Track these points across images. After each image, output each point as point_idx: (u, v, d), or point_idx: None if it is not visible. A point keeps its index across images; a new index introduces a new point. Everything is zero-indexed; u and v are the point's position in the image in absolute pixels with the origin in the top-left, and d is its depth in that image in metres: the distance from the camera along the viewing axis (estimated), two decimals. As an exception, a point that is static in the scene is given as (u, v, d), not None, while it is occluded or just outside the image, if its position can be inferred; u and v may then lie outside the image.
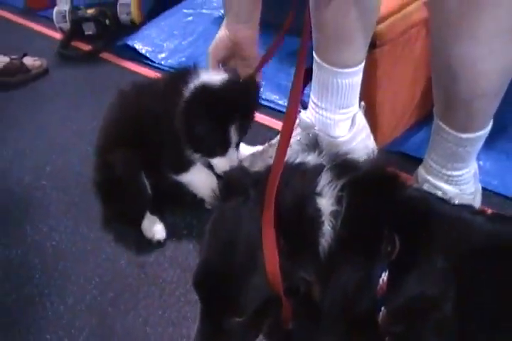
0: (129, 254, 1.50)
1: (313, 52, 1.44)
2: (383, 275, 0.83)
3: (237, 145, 1.43)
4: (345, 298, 0.85)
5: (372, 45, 1.45)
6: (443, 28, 1.11)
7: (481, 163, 1.56)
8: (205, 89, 1.32)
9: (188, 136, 1.36)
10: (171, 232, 1.54)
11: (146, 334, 1.29)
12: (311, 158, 0.93)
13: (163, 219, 1.56)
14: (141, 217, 1.51)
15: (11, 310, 1.39)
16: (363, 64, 1.41)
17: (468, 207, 0.96)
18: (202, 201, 1.49)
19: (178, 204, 1.62)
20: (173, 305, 1.35)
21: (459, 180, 1.34)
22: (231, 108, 1.33)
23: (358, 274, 0.84)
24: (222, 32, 1.40)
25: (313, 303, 0.87)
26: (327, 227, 0.84)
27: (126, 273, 1.45)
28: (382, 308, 0.83)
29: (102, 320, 1.34)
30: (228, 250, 0.84)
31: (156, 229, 1.52)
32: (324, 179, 0.87)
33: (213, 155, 1.40)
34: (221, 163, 1.39)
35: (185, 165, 1.45)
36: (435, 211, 0.88)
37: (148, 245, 1.51)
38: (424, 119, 1.72)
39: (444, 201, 0.95)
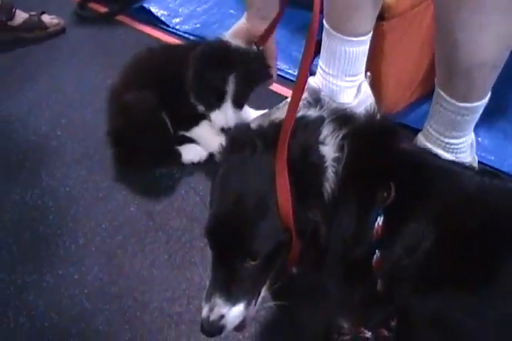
0: (139, 203, 1.59)
1: (324, 20, 1.52)
2: (379, 219, 0.89)
3: (238, 105, 1.56)
4: (344, 240, 0.91)
5: (381, 17, 1.52)
6: None
7: (479, 139, 1.65)
8: (212, 44, 1.55)
9: (192, 83, 1.52)
10: (179, 185, 1.62)
11: (152, 275, 1.39)
12: (313, 112, 1.00)
13: (171, 174, 1.65)
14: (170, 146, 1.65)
15: (25, 246, 1.49)
16: (370, 34, 1.48)
17: (459, 163, 1.03)
18: (211, 156, 1.59)
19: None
20: (178, 250, 1.44)
21: (456, 148, 1.42)
22: (229, 64, 1.50)
23: (355, 217, 0.91)
24: (242, 22, 1.55)
25: (317, 246, 0.93)
26: (330, 172, 0.91)
27: (135, 219, 1.54)
28: (377, 251, 0.90)
29: (110, 260, 1.43)
30: (239, 198, 0.89)
31: (195, 150, 1.67)
32: (326, 129, 0.94)
33: (210, 105, 1.55)
34: (218, 117, 1.54)
35: (194, 120, 1.60)
36: (429, 162, 0.96)
37: (157, 195, 1.60)
38: (428, 95, 1.78)
39: (438, 156, 1.03)
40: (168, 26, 2.41)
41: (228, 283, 0.92)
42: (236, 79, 1.51)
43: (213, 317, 0.90)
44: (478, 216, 0.89)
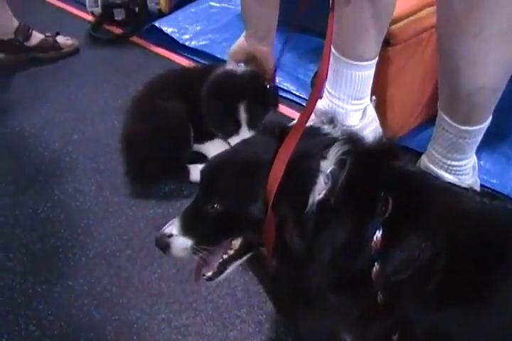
0: (148, 217, 1.63)
1: (331, 46, 1.58)
2: (377, 232, 0.91)
3: (251, 127, 1.63)
4: (334, 249, 0.93)
5: (386, 43, 1.59)
6: (447, 24, 1.24)
7: (481, 163, 1.70)
8: (220, 76, 1.65)
9: (207, 114, 1.64)
10: (187, 202, 1.65)
11: (160, 288, 1.42)
12: (327, 128, 1.04)
13: (180, 191, 1.70)
14: (183, 161, 1.72)
15: (36, 256, 1.52)
16: (375, 59, 1.55)
17: (459, 185, 1.07)
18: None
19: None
20: (186, 264, 1.46)
21: (459, 170, 1.47)
22: (239, 91, 1.61)
23: (350, 228, 0.93)
24: (242, 40, 1.63)
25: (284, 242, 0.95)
26: (322, 182, 0.92)
27: (144, 233, 1.58)
28: (376, 264, 0.92)
29: (119, 273, 1.47)
30: (239, 156, 1.02)
31: None
32: (333, 145, 0.97)
33: (227, 133, 1.64)
34: (235, 141, 1.56)
35: (206, 137, 1.70)
36: (429, 181, 1.00)
37: (166, 211, 1.64)
38: (432, 119, 1.83)
39: (439, 177, 1.07)
40: (177, 42, 2.46)
41: (191, 217, 1.04)
42: (248, 105, 1.61)
43: (165, 231, 1.05)
44: (476, 233, 0.92)
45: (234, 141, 1.58)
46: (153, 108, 1.67)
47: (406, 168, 1.02)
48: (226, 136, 1.67)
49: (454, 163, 1.45)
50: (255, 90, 1.64)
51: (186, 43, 2.46)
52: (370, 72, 1.55)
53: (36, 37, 2.43)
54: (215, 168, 1.03)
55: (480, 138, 1.41)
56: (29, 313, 1.37)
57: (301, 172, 0.93)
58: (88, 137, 1.96)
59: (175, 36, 2.49)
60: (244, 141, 1.08)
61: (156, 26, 2.55)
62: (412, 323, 0.94)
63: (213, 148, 1.68)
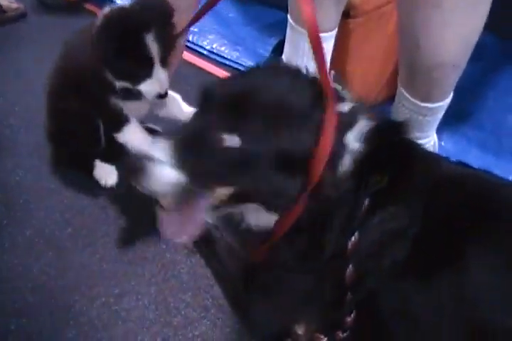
0: (93, 196, 1.53)
1: (288, 15, 1.50)
2: (365, 202, 0.85)
3: (165, 64, 1.30)
4: (339, 225, 0.86)
5: (347, 15, 1.52)
6: None
7: (442, 143, 1.66)
8: (112, 13, 1.27)
9: (108, 63, 1.28)
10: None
11: (101, 270, 1.34)
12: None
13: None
14: (92, 162, 1.54)
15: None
16: (335, 31, 1.47)
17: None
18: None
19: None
20: (130, 245, 1.39)
21: (418, 149, 1.41)
22: (140, 21, 1.24)
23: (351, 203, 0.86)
24: None
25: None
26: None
27: (87, 212, 1.49)
28: (356, 234, 0.85)
29: (58, 253, 1.38)
30: (285, 94, 0.81)
31: (107, 176, 1.53)
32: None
33: (139, 77, 1.29)
34: (150, 87, 1.30)
35: (119, 124, 1.42)
36: (418, 153, 0.92)
37: (111, 189, 1.53)
38: (393, 97, 1.79)
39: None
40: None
41: (189, 145, 0.79)
42: (157, 35, 1.23)
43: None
44: (456, 202, 0.86)
45: (147, 87, 1.29)
46: (56, 109, 1.50)
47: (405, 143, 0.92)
48: (137, 83, 1.29)
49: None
50: (159, 14, 1.26)
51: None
52: (328, 45, 1.47)
53: (-24, 0, 2.27)
54: (252, 94, 0.79)
55: (440, 116, 1.36)
56: (-44, 297, 1.27)
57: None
58: (32, 109, 1.83)
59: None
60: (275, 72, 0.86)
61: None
62: (378, 298, 0.88)
63: (130, 136, 1.44)
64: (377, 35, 1.66)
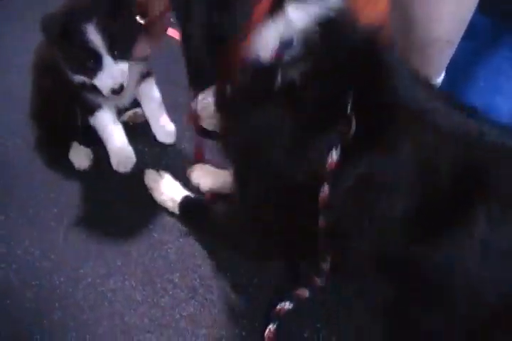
0: (80, 176, 1.49)
1: None
2: (334, 151, 0.81)
3: (123, 55, 1.22)
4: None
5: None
6: None
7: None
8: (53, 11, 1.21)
9: (63, 59, 1.25)
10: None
11: (87, 250, 1.31)
12: None
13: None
14: (68, 144, 1.51)
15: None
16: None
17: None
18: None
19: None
20: (117, 223, 1.36)
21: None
22: (78, 12, 1.16)
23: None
24: None
25: None
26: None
27: (73, 192, 1.45)
28: (325, 185, 0.83)
29: (43, 234, 1.35)
30: None
31: (82, 159, 1.50)
32: None
33: (88, 71, 1.22)
34: (102, 81, 1.23)
35: (91, 109, 1.38)
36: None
37: (99, 171, 1.49)
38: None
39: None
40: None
41: None
42: (98, 25, 1.15)
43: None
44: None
45: (99, 81, 1.22)
46: (38, 85, 1.45)
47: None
48: (91, 77, 1.23)
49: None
50: (103, 2, 1.17)
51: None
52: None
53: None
54: None
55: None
56: None
57: None
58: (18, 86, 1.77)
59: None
60: None
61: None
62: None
63: (99, 121, 1.38)
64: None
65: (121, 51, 1.21)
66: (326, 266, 0.98)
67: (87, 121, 1.40)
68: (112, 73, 1.21)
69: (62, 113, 1.42)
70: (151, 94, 1.45)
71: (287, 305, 1.11)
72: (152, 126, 1.50)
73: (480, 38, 1.91)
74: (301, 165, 0.86)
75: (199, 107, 1.14)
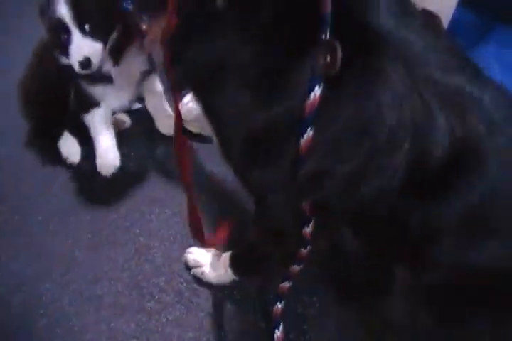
0: (63, 180, 1.49)
1: None
2: (316, 89, 0.67)
3: (94, 35, 1.22)
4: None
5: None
6: None
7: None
8: None
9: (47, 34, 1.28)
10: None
11: (73, 256, 1.31)
12: None
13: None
14: (59, 134, 1.51)
15: None
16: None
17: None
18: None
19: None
20: (102, 229, 1.35)
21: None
22: None
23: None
24: None
25: None
26: None
27: (58, 197, 1.44)
28: (308, 130, 0.70)
29: (28, 240, 1.34)
30: None
31: (71, 151, 1.50)
32: None
33: (63, 47, 1.23)
34: (71, 55, 1.22)
35: (88, 105, 1.39)
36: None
37: (83, 174, 1.49)
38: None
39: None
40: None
41: None
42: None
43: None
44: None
45: (71, 55, 1.22)
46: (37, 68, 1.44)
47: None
48: (65, 54, 1.24)
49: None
50: None
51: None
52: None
53: None
54: None
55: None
56: None
57: None
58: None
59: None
60: None
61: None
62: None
63: (92, 118, 1.40)
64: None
65: (93, 28, 1.21)
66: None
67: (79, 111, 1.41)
68: (79, 46, 1.21)
69: (55, 98, 1.42)
70: (154, 90, 1.48)
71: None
72: (155, 119, 1.54)
73: (467, 35, 1.91)
74: (273, 103, 0.71)
75: (184, 111, 1.14)
